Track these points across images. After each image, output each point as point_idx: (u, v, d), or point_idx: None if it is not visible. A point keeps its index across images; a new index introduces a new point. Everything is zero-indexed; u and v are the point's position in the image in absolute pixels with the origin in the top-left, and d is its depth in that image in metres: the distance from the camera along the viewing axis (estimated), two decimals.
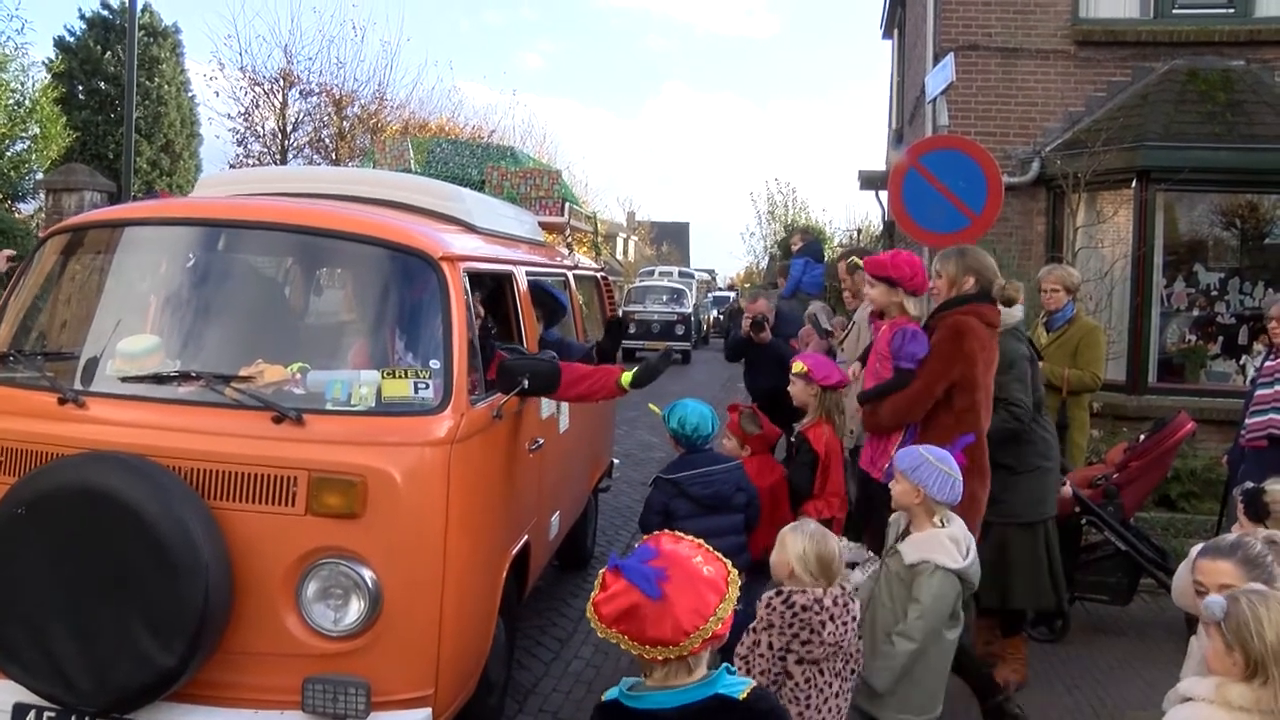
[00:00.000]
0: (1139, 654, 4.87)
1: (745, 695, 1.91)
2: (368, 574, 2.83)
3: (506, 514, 3.52)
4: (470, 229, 3.96)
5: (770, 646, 2.91)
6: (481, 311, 3.95)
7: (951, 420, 3.71)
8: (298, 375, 3.07)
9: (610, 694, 1.99)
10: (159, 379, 3.04)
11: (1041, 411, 4.39)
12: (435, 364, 3.08)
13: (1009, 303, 4.02)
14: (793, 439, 4.43)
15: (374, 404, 2.99)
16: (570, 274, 5.42)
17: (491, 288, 4.26)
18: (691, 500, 3.90)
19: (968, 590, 3.27)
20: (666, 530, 2.09)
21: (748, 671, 2.96)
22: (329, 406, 2.98)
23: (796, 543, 3.02)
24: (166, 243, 3.53)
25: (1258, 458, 4.88)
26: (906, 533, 3.28)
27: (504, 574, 3.46)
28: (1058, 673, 4.59)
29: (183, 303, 3.41)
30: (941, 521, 3.23)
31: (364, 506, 2.82)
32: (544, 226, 5.56)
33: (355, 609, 2.83)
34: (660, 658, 1.86)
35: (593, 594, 1.93)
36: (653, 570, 1.86)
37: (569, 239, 6.06)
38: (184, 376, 3.05)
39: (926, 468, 3.18)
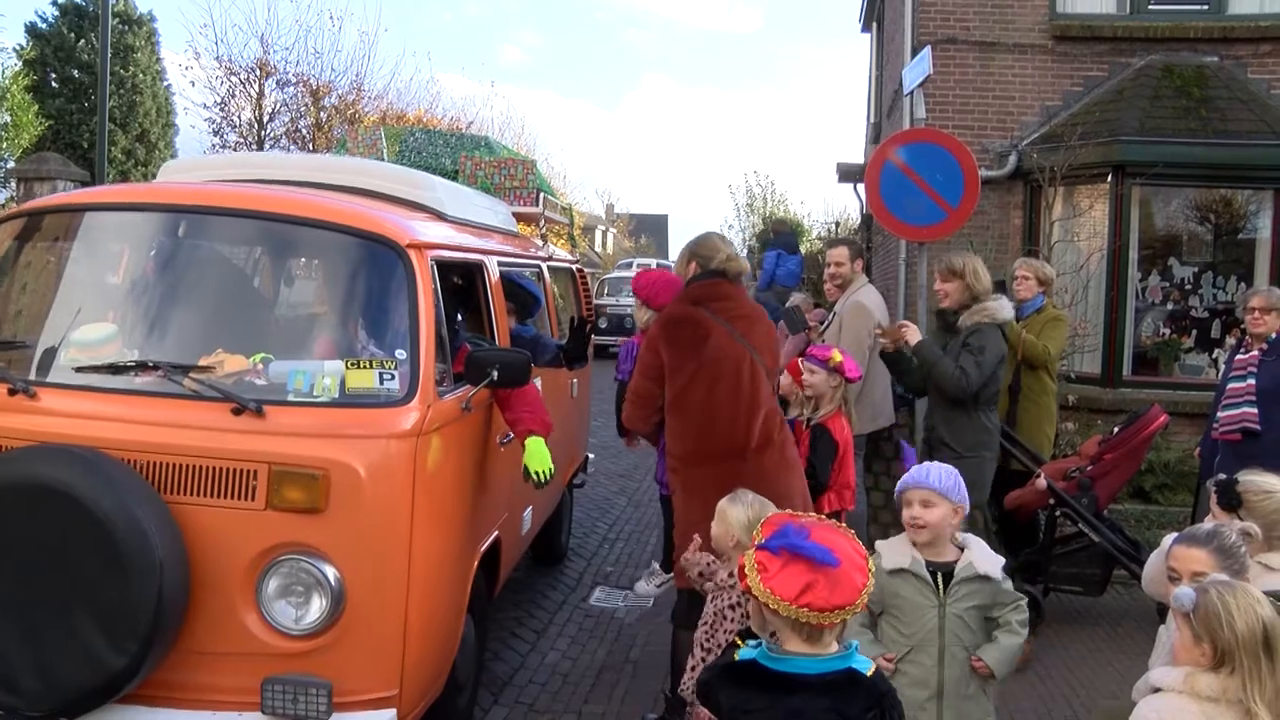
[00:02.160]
0: (1112, 644, 4.89)
1: (871, 673, 1.97)
2: (330, 571, 2.76)
3: (476, 509, 3.45)
4: (441, 217, 3.88)
5: (735, 609, 3.04)
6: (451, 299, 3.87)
7: (672, 420, 3.68)
8: (259, 365, 2.99)
9: (745, 654, 2.01)
10: (115, 369, 2.96)
11: (992, 407, 4.59)
12: (401, 354, 3.01)
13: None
14: (806, 428, 4.28)
15: (337, 395, 2.92)
16: (544, 266, 5.35)
17: (462, 278, 4.18)
18: None
19: None
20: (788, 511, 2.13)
21: (711, 637, 3.10)
22: (291, 398, 2.91)
23: (739, 512, 3.05)
24: (125, 228, 3.44)
25: (1233, 450, 4.89)
26: (938, 574, 2.89)
27: (473, 571, 3.40)
28: (1031, 663, 4.59)
29: (141, 290, 3.32)
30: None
31: (326, 501, 2.75)
32: (518, 217, 5.48)
33: (317, 607, 2.76)
34: (837, 621, 1.91)
35: (753, 580, 1.92)
36: (823, 546, 1.90)
37: (544, 230, 5.98)
38: (141, 366, 2.96)
39: (958, 483, 2.92)
